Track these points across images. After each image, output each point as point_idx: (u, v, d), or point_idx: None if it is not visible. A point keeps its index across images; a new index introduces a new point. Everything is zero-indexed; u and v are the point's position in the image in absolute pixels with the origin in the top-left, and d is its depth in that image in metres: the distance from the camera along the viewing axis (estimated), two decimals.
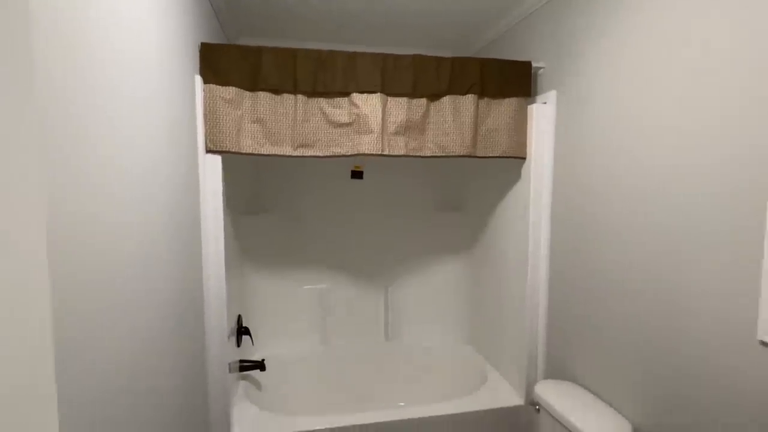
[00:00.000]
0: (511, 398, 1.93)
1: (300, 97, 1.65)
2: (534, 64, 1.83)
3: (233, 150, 1.60)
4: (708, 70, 1.11)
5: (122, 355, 0.86)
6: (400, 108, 1.72)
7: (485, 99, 1.81)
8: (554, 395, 1.55)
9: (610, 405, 1.48)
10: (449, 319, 2.63)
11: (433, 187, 2.63)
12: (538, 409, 1.61)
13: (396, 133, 1.73)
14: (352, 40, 2.42)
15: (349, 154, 1.70)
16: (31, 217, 0.57)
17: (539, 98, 1.86)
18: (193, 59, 1.49)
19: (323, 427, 1.73)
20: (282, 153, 1.66)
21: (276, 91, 1.64)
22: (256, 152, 1.64)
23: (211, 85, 1.56)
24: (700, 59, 1.14)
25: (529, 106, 1.84)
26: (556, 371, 1.80)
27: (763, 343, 1.00)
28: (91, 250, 0.73)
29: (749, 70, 1.01)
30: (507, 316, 2.08)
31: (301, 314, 2.51)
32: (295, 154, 1.67)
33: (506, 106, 1.82)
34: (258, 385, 2.16)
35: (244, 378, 2.12)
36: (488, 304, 2.32)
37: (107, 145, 0.80)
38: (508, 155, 1.84)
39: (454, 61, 1.75)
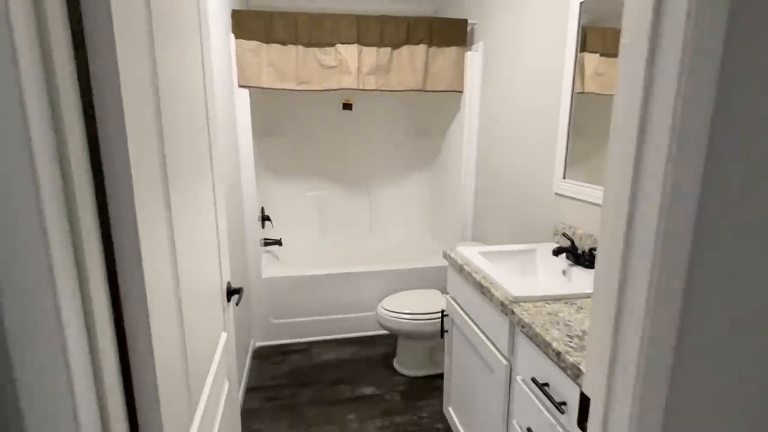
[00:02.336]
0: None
1: (300, 47, 2.38)
2: (470, 21, 2.51)
3: (256, 85, 2.37)
4: (537, 50, 1.84)
5: None
6: (370, 55, 2.44)
7: (433, 47, 2.51)
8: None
9: None
10: (416, 216, 3.50)
11: (408, 117, 3.37)
12: None
13: (368, 73, 2.47)
14: None
15: (335, 88, 2.45)
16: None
17: (474, 47, 2.55)
18: (227, 22, 2.21)
19: (323, 273, 2.63)
20: (289, 87, 2.42)
21: (283, 43, 2.37)
22: (271, 86, 2.40)
23: (240, 39, 2.29)
24: (535, 38, 1.85)
25: (465, 53, 2.55)
26: (477, 238, 2.66)
27: (557, 194, 1.81)
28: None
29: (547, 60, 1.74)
30: (450, 207, 2.92)
31: (305, 213, 3.38)
32: (298, 88, 2.43)
33: (449, 53, 2.53)
34: (276, 256, 3.07)
35: (267, 251, 3.02)
36: (441, 202, 3.15)
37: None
38: (449, 89, 2.58)
39: (410, 20, 2.44)
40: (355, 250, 3.40)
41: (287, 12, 2.33)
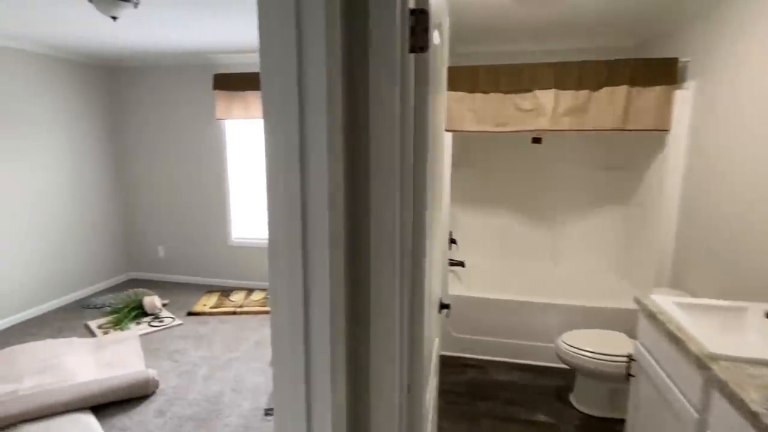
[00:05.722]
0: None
1: (500, 94, 2.67)
2: (682, 59, 2.41)
3: (459, 129, 2.76)
4: None
5: None
6: (567, 98, 2.58)
7: (636, 87, 2.50)
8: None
9: None
10: (602, 253, 3.39)
11: (598, 151, 3.33)
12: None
13: (564, 114, 2.61)
14: (542, 39, 3.24)
15: (530, 129, 2.67)
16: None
17: (684, 85, 2.44)
18: None
19: (503, 298, 2.85)
20: (486, 129, 2.74)
21: (485, 92, 2.70)
22: (472, 129, 2.76)
23: (449, 92, 2.72)
24: None
25: (675, 91, 2.45)
26: (675, 286, 2.49)
27: None
28: None
29: None
30: (645, 249, 2.78)
31: (488, 239, 3.63)
32: (495, 129, 2.73)
33: (653, 92, 2.48)
34: (459, 276, 3.40)
35: (451, 271, 3.38)
36: (633, 241, 3.01)
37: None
38: (653, 128, 2.51)
39: (610, 63, 2.49)
40: (533, 279, 3.50)
41: (491, 66, 2.66)
